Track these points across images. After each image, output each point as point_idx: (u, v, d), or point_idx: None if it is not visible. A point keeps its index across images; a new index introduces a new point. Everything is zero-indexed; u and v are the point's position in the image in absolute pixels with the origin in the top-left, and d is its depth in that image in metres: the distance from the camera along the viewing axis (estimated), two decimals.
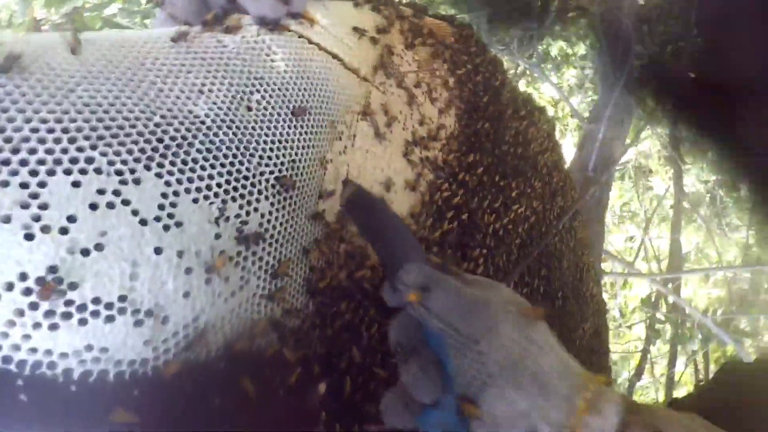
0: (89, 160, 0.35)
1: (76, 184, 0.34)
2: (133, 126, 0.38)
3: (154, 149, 0.38)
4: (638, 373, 2.95)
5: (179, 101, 0.42)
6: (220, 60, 0.47)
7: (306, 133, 0.54)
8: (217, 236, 0.41)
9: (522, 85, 2.79)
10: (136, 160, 0.37)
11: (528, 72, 2.74)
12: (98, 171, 0.35)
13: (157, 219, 0.37)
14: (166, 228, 0.37)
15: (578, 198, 0.94)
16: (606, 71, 1.88)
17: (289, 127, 0.51)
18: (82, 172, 0.35)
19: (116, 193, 0.35)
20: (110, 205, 0.35)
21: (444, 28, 0.87)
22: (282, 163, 0.50)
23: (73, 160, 0.34)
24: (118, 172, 0.36)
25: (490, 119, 0.88)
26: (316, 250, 0.55)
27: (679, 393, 3.03)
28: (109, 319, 0.35)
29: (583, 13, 2.33)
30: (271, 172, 0.48)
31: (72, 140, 0.35)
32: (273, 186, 0.48)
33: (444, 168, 0.78)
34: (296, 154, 0.52)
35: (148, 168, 0.37)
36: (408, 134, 0.74)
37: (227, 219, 0.42)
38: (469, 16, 2.06)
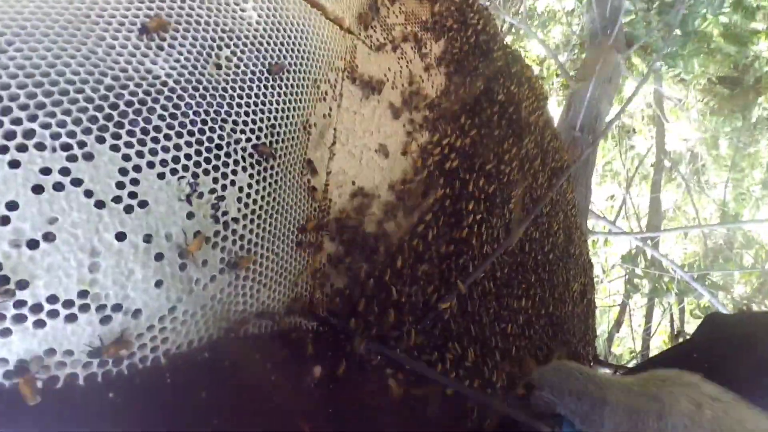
0: (28, 134, 0.29)
1: (13, 164, 0.28)
2: (79, 91, 0.32)
3: (107, 117, 0.32)
4: (617, 324, 3.06)
5: (134, 59, 0.36)
6: (181, 9, 0.40)
7: (285, 93, 0.48)
8: (190, 215, 0.36)
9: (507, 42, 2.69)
10: (86, 132, 0.31)
11: (514, 29, 2.64)
12: (40, 146, 0.29)
13: (117, 200, 0.32)
14: (128, 209, 0.32)
15: (573, 162, 0.91)
16: (594, 28, 1.81)
17: (266, 87, 0.45)
18: (21, 149, 0.29)
19: (64, 171, 0.30)
20: (58, 187, 0.30)
21: None
22: (260, 129, 0.44)
23: (9, 135, 0.29)
24: (65, 147, 0.30)
25: (481, 78, 0.82)
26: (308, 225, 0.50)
27: (655, 342, 3.18)
28: (70, 318, 0.30)
29: None
30: (248, 140, 0.43)
31: (5, 111, 0.29)
32: (251, 155, 0.43)
33: (436, 130, 0.73)
34: (275, 118, 0.47)
35: (101, 140, 0.32)
36: (397, 94, 0.68)
37: (200, 195, 0.37)
38: None
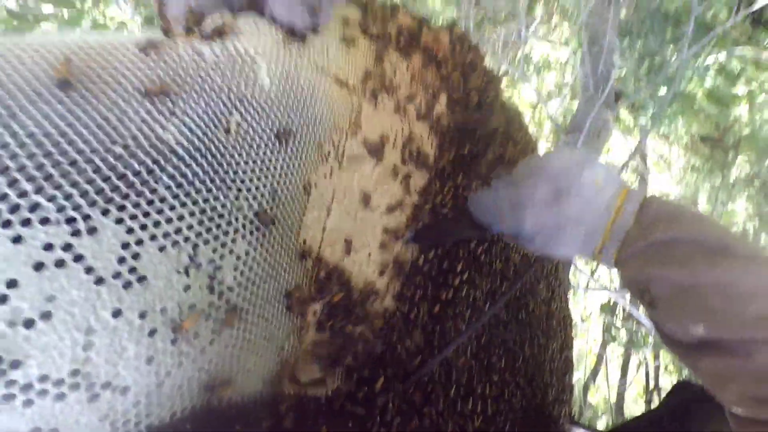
0: (34, 208, 0.29)
1: (17, 240, 0.28)
2: (88, 161, 0.32)
3: (114, 189, 0.32)
4: (594, 374, 3.08)
5: (145, 126, 0.36)
6: (196, 74, 0.41)
7: (290, 158, 0.48)
8: (187, 288, 0.36)
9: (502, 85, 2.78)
10: (92, 204, 0.31)
11: (509, 73, 2.72)
12: (45, 221, 0.29)
13: (116, 275, 0.31)
14: (127, 285, 0.32)
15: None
16: (586, 83, 1.89)
17: (272, 153, 0.46)
18: (25, 223, 0.28)
19: (67, 247, 0.29)
20: (60, 264, 0.29)
21: (442, 38, 0.82)
22: (262, 195, 0.44)
23: (14, 209, 0.28)
24: (70, 221, 0.30)
25: (479, 138, 0.84)
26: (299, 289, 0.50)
27: (630, 393, 3.19)
28: (59, 397, 0.29)
29: (567, 20, 2.32)
30: (250, 207, 0.43)
31: (12, 183, 0.29)
32: (251, 222, 0.43)
33: (431, 188, 0.74)
34: (278, 183, 0.47)
35: (106, 213, 0.32)
36: (397, 153, 0.69)
37: (198, 266, 0.37)
38: (458, 12, 2.01)
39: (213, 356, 0.39)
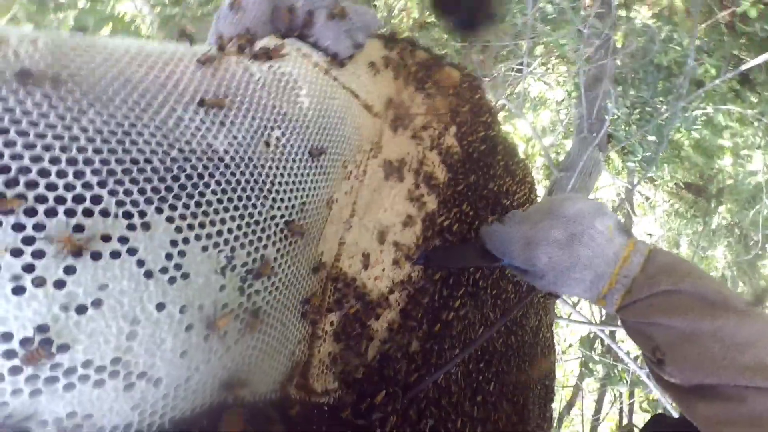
0: (96, 200, 0.31)
1: (79, 228, 0.30)
2: (148, 160, 0.34)
3: (168, 188, 0.35)
4: (569, 406, 3.10)
5: (199, 133, 0.38)
6: (246, 90, 0.43)
7: (319, 174, 0.51)
8: (222, 288, 0.38)
9: (499, 118, 2.87)
10: (148, 201, 0.33)
11: (507, 108, 2.82)
12: (105, 213, 0.31)
13: (164, 270, 0.33)
14: (172, 280, 0.34)
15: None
16: (581, 124, 1.97)
17: (305, 168, 0.48)
18: (87, 213, 0.30)
19: (123, 240, 0.31)
20: (115, 255, 0.31)
21: (454, 75, 0.87)
22: (293, 206, 0.47)
23: (78, 199, 0.30)
24: (127, 215, 0.32)
25: (483, 169, 0.88)
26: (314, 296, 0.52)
27: (603, 429, 3.21)
28: (99, 383, 0.30)
29: (565, 62, 2.43)
30: (282, 216, 0.45)
31: (79, 174, 0.31)
32: (281, 230, 0.45)
33: (440, 211, 0.78)
34: (307, 197, 0.50)
35: (159, 211, 0.34)
36: (412, 175, 0.73)
37: (233, 268, 0.39)
38: (461, 46, 2.10)
39: (236, 356, 0.41)
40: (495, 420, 0.85)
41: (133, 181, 0.33)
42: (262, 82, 0.45)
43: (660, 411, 2.33)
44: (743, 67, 1.75)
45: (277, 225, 0.44)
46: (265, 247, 0.43)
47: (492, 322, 0.88)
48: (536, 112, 2.96)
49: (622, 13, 2.05)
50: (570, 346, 3.51)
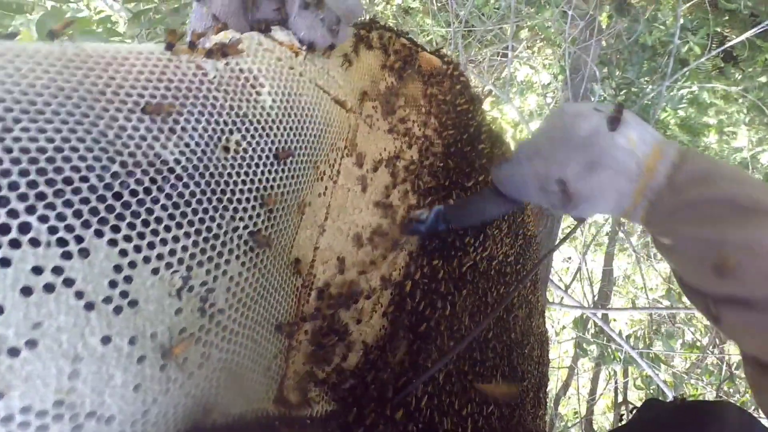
0: (24, 228, 0.27)
1: (4, 263, 0.26)
2: (83, 179, 0.30)
3: (109, 208, 0.31)
4: (565, 386, 3.14)
5: (145, 143, 0.35)
6: (198, 91, 0.40)
7: (287, 178, 0.48)
8: (178, 311, 0.35)
9: (486, 105, 2.84)
10: (85, 225, 0.30)
11: (493, 93, 2.78)
12: (35, 242, 0.28)
13: (107, 300, 0.30)
14: (118, 310, 0.31)
15: (544, 256, 0.95)
16: None
17: (270, 173, 0.45)
18: (14, 244, 0.27)
19: (57, 270, 0.28)
20: (49, 288, 0.28)
21: (435, 62, 0.83)
22: (258, 215, 0.43)
23: (3, 229, 0.27)
24: (61, 242, 0.29)
25: (467, 160, 0.85)
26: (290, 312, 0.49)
27: (599, 405, 3.26)
28: (42, 429, 0.27)
29: (551, 45, 2.40)
30: (246, 227, 0.42)
31: (2, 202, 0.27)
32: (246, 243, 0.42)
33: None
34: (275, 203, 0.46)
35: (99, 234, 0.30)
36: (390, 173, 0.70)
37: (191, 289, 0.36)
38: (446, 31, 2.05)
39: (201, 381, 0.38)
40: (488, 414, 0.84)
41: (67, 204, 0.29)
42: (218, 81, 0.41)
43: (653, 388, 2.36)
44: (727, 45, 1.73)
45: (240, 237, 0.41)
46: (228, 262, 0.40)
47: (482, 313, 0.86)
48: (523, 96, 2.92)
49: None
50: (563, 327, 3.54)
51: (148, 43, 0.39)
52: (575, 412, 3.43)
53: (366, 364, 0.61)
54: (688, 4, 1.86)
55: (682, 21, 1.71)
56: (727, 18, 2.07)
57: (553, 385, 3.15)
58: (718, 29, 2.02)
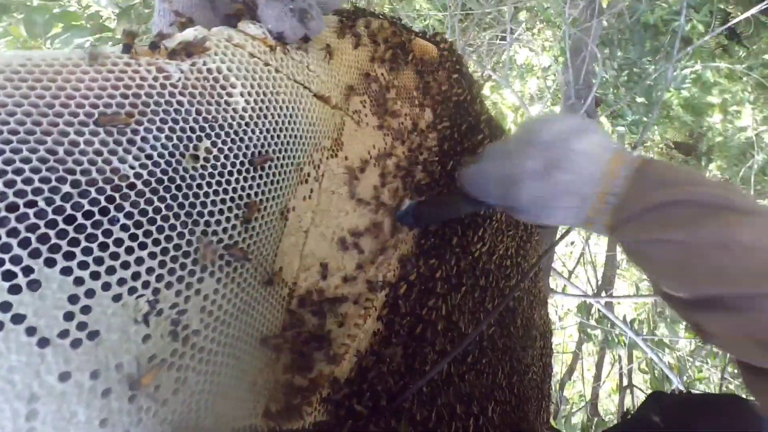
0: None
1: None
2: (30, 204, 0.28)
3: (61, 234, 0.29)
4: (569, 371, 3.14)
5: (100, 158, 0.32)
6: (160, 97, 0.37)
7: (266, 183, 0.45)
8: (146, 338, 0.32)
9: (486, 90, 2.78)
10: (34, 255, 0.27)
11: (493, 78, 2.73)
12: None
13: (63, 334, 0.28)
14: (76, 344, 0.28)
15: (546, 252, 0.92)
16: (568, 91, 1.89)
17: (246, 180, 0.42)
18: None
19: (4, 307, 0.26)
20: None
21: (429, 50, 0.79)
22: (233, 227, 0.41)
23: None
24: (7, 276, 0.26)
25: (461, 153, 0.82)
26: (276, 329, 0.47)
27: (605, 388, 3.27)
28: None
29: (550, 26, 2.33)
30: (220, 241, 0.39)
31: None
32: (221, 257, 0.39)
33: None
34: (253, 213, 0.43)
35: (51, 263, 0.28)
36: (379, 172, 0.67)
37: (159, 312, 0.34)
38: (444, 16, 1.99)
39: (177, 406, 0.36)
40: (491, 413, 0.82)
41: (12, 233, 0.27)
42: (182, 83, 0.38)
43: (657, 371, 2.35)
44: (732, 23, 1.67)
45: (214, 252, 0.38)
46: (201, 280, 0.37)
47: (483, 311, 0.84)
48: (523, 80, 2.86)
49: None
50: (568, 311, 3.53)
51: (105, 47, 0.36)
52: (580, 395, 3.45)
53: (360, 372, 0.59)
54: None
55: None
56: None
57: (558, 369, 3.16)
58: (722, 6, 1.96)
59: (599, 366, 3.11)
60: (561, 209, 0.48)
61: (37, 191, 0.28)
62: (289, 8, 0.44)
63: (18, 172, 0.28)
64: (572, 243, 4.02)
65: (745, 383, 0.42)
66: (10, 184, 0.27)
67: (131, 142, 0.34)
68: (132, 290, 0.31)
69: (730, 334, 0.39)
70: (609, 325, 2.89)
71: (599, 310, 3.08)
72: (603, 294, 2.97)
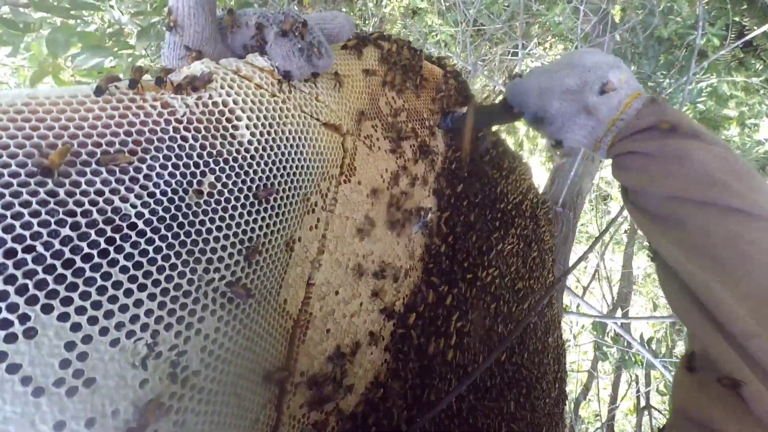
0: None
1: None
2: (28, 249, 0.27)
3: (59, 279, 0.28)
4: (585, 390, 3.06)
5: (101, 198, 0.32)
6: (164, 133, 0.36)
7: (271, 216, 0.44)
8: (144, 383, 0.32)
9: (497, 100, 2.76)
10: (30, 301, 0.27)
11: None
12: None
13: (59, 383, 0.27)
14: (72, 392, 0.27)
15: (560, 277, 0.90)
16: None
17: (249, 214, 0.42)
18: None
19: (0, 357, 0.25)
20: None
21: (437, 73, 0.79)
22: (236, 263, 0.40)
23: None
24: (4, 325, 0.26)
25: (474, 176, 0.81)
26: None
27: (621, 407, 3.17)
28: None
29: (563, 41, 2.32)
30: (222, 278, 0.39)
31: None
32: (222, 295, 0.39)
33: (424, 235, 0.71)
34: (256, 246, 0.43)
35: (48, 309, 0.27)
36: (390, 196, 0.65)
37: (158, 355, 0.33)
38: (455, 31, 1.99)
39: None
40: None
41: (9, 280, 0.26)
42: (187, 118, 0.38)
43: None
44: (748, 36, 1.63)
45: (216, 290, 0.38)
46: (201, 320, 0.36)
47: (494, 338, 0.81)
48: None
49: None
50: (582, 328, 3.45)
51: (115, 76, 0.36)
52: (596, 415, 3.35)
53: (367, 404, 0.57)
54: None
55: (698, 11, 1.63)
56: (745, 7, 1.97)
57: (572, 387, 3.07)
58: (737, 19, 1.93)
59: (615, 386, 3.02)
60: (580, 127, 0.57)
61: (35, 236, 0.28)
62: (298, 47, 0.44)
63: (17, 216, 0.27)
64: (586, 258, 3.95)
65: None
66: (8, 229, 0.27)
67: (134, 180, 0.34)
68: (130, 334, 0.31)
69: (676, 248, 0.46)
70: (625, 344, 2.81)
71: (614, 330, 3.01)
72: (619, 311, 2.90)
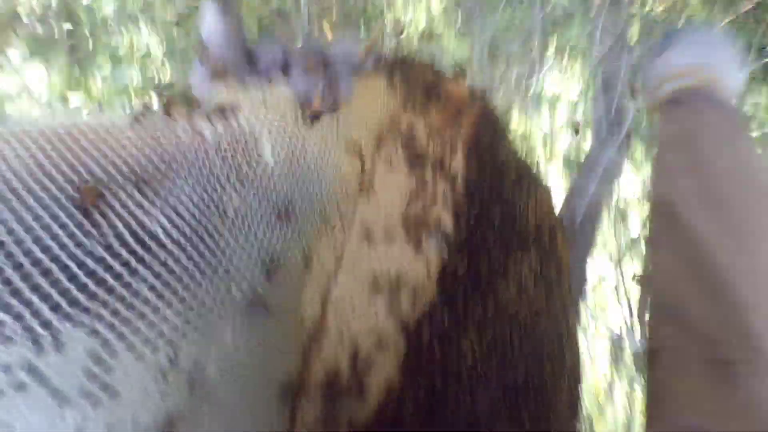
0: None
1: None
2: (54, 258, 0.29)
3: (90, 294, 0.30)
4: (600, 406, 2.97)
5: (132, 218, 0.33)
6: (194, 157, 0.39)
7: (290, 236, 0.46)
8: (165, 395, 0.33)
9: (514, 123, 2.78)
10: (62, 315, 0.28)
11: (522, 109, 2.72)
12: (3, 338, 0.26)
13: (85, 394, 0.28)
14: (96, 404, 0.29)
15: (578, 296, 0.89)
16: (600, 124, 1.86)
17: (272, 235, 0.43)
18: None
19: (29, 368, 0.27)
20: (20, 387, 0.26)
21: (460, 91, 0.80)
22: (258, 281, 0.42)
23: None
24: (33, 336, 0.27)
25: (494, 196, 0.81)
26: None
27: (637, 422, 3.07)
28: None
29: (581, 57, 2.32)
30: (243, 296, 0.40)
31: None
32: (242, 311, 0.40)
33: (442, 252, 0.71)
34: (275, 261, 0.44)
35: (77, 324, 0.29)
36: (410, 215, 0.67)
37: (179, 368, 0.34)
38: (471, 50, 2.02)
39: None
40: None
41: (35, 288, 0.28)
42: (216, 144, 0.40)
43: None
44: None
45: (236, 306, 0.39)
46: (221, 333, 0.38)
47: (505, 355, 0.81)
48: (553, 110, 2.84)
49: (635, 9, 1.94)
50: (599, 345, 3.37)
51: (145, 110, 0.38)
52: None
53: (381, 417, 0.57)
54: (726, 20, 1.76)
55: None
56: (764, 28, 1.95)
57: (588, 403, 2.99)
58: (755, 39, 1.90)
59: (631, 402, 2.93)
60: (653, 79, 0.64)
61: (63, 247, 0.30)
62: (321, 84, 0.46)
63: (46, 228, 0.29)
64: (604, 278, 3.87)
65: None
66: (38, 240, 0.29)
67: (164, 201, 0.35)
68: (155, 349, 0.32)
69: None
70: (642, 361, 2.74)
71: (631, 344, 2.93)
72: (637, 330, 2.83)
